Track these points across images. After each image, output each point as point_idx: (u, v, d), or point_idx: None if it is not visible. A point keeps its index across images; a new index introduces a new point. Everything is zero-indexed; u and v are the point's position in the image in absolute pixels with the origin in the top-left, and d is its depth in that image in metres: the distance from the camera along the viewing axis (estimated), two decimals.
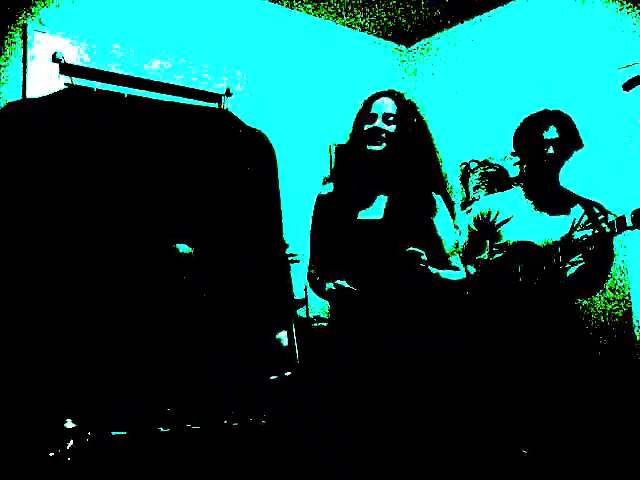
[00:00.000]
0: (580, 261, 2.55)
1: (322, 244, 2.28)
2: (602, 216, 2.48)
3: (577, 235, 2.52)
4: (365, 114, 2.28)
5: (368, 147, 2.22)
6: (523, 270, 2.59)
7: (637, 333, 3.28)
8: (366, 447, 2.05)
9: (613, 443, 2.88)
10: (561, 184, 2.81)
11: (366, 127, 2.25)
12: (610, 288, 3.36)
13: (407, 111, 2.28)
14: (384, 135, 2.21)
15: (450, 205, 2.35)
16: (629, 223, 2.35)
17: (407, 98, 2.32)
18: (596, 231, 2.42)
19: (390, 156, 2.22)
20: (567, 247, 2.52)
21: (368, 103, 2.30)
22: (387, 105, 2.26)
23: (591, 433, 2.68)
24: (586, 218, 2.64)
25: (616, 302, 3.35)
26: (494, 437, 2.50)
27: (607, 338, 3.32)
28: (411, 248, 2.07)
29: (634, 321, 3.30)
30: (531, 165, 2.80)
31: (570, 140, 2.71)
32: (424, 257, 2.08)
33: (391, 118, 2.24)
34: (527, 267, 2.59)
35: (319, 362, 2.33)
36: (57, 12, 3.11)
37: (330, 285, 2.13)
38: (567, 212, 2.73)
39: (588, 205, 2.68)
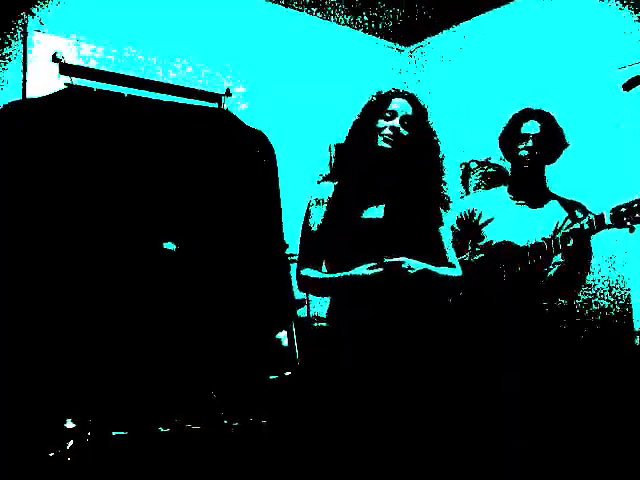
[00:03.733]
0: (559, 262, 2.55)
1: (325, 240, 2.25)
2: (583, 215, 2.48)
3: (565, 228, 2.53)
4: (381, 109, 2.20)
5: (381, 144, 2.17)
6: (505, 271, 2.60)
7: (637, 333, 3.29)
8: (366, 447, 2.05)
9: (612, 443, 2.88)
10: (556, 182, 2.81)
11: (381, 123, 2.19)
12: (610, 288, 3.36)
13: (423, 118, 2.23)
14: (398, 138, 2.16)
15: (445, 202, 2.32)
16: (607, 221, 2.33)
17: (422, 104, 2.25)
18: (576, 226, 2.42)
19: (398, 158, 2.19)
20: (547, 248, 2.51)
21: (385, 99, 2.22)
22: (406, 108, 2.20)
23: (590, 433, 2.68)
24: (569, 222, 2.63)
25: (616, 302, 3.36)
26: (491, 438, 2.50)
27: (607, 337, 3.32)
28: (388, 260, 2.05)
29: (634, 321, 3.31)
30: (514, 163, 2.79)
31: (552, 137, 2.69)
32: (406, 264, 2.06)
33: (407, 122, 2.18)
34: (508, 268, 2.59)
35: (319, 362, 2.33)
36: (57, 12, 3.10)
37: (363, 268, 2.07)
38: (551, 213, 2.71)
39: (571, 206, 2.68)
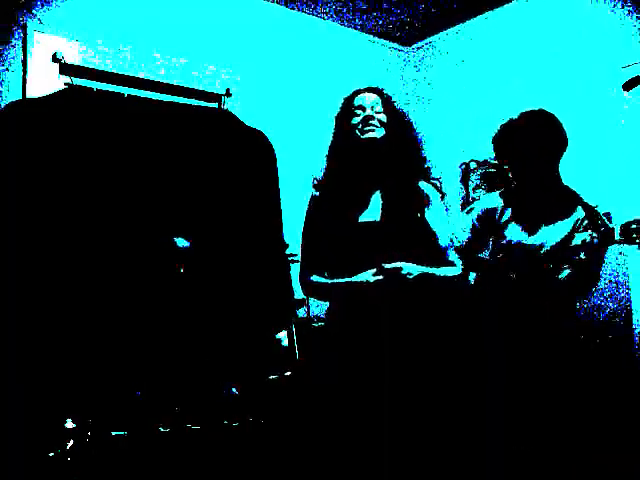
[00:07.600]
0: (572, 265, 2.55)
1: (326, 245, 2.26)
2: (603, 219, 2.46)
3: (577, 237, 2.52)
4: (349, 109, 2.28)
5: (364, 136, 2.21)
6: (517, 274, 2.59)
7: (637, 333, 3.29)
8: (365, 446, 2.05)
9: (612, 443, 2.88)
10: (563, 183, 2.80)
11: (355, 119, 2.24)
12: (610, 287, 3.36)
13: (391, 102, 2.30)
14: (377, 122, 2.22)
15: (441, 196, 2.33)
16: (617, 237, 2.33)
17: (385, 92, 2.33)
18: (586, 239, 2.42)
19: (385, 145, 2.21)
20: (558, 254, 2.51)
21: (350, 99, 2.31)
22: (372, 98, 2.28)
23: (590, 433, 2.68)
24: (586, 222, 2.61)
25: (616, 302, 3.36)
26: (491, 437, 2.50)
27: (607, 338, 3.32)
28: (387, 265, 2.05)
29: (634, 321, 3.30)
30: (515, 171, 2.77)
31: (536, 142, 2.67)
32: (404, 270, 2.07)
33: (378, 109, 2.25)
34: (521, 271, 2.58)
35: (319, 362, 2.33)
36: (57, 12, 3.11)
37: (366, 275, 2.08)
38: (567, 215, 2.69)
39: (589, 208, 2.65)
